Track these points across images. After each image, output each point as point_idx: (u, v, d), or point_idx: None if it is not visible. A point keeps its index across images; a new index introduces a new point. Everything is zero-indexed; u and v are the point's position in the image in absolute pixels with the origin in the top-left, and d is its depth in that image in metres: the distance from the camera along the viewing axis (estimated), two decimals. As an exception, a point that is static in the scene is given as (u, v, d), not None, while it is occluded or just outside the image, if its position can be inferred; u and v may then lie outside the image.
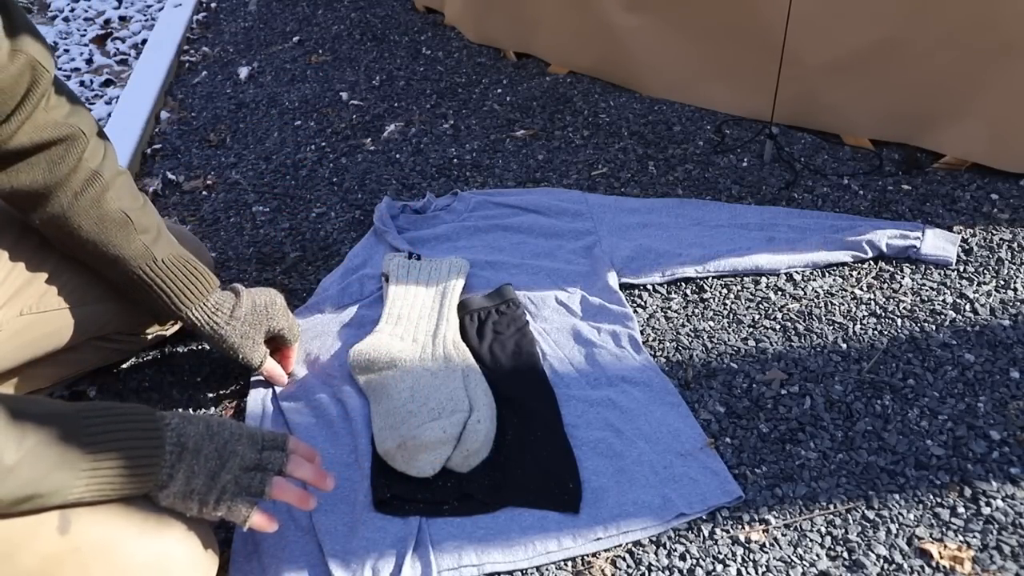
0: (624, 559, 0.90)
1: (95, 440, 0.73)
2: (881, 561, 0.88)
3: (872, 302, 1.19)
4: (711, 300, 1.22)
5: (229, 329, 1.03)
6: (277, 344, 1.11)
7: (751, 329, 1.17)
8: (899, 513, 0.92)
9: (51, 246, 1.00)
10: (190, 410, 1.11)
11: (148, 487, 0.77)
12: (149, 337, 1.15)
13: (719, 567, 0.88)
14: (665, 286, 1.25)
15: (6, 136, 0.89)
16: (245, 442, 0.81)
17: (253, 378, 1.11)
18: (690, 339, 1.16)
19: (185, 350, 1.20)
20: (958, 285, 1.21)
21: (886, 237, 1.26)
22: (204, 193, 1.55)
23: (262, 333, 1.06)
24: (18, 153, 0.91)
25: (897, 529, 0.91)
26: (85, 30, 2.31)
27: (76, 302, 1.01)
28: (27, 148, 0.90)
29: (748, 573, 0.88)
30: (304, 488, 0.87)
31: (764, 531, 0.91)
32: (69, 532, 0.75)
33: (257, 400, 1.09)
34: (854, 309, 1.18)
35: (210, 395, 1.13)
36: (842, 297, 1.21)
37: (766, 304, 1.20)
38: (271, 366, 1.08)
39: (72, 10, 2.42)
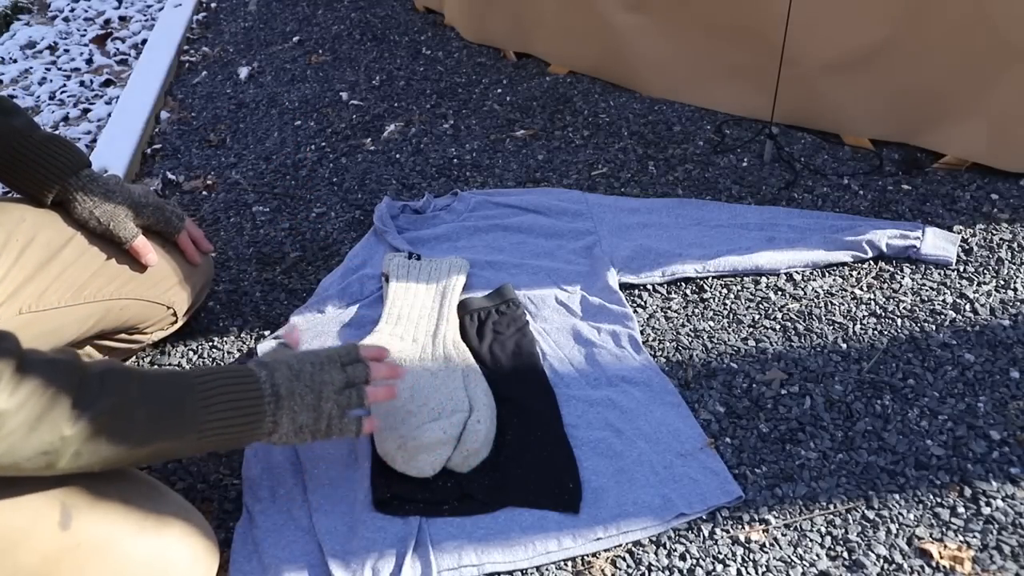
0: (624, 559, 0.90)
1: (208, 401, 0.79)
2: (881, 561, 0.88)
3: (872, 302, 1.19)
4: (711, 300, 1.22)
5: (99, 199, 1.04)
6: (164, 236, 1.12)
7: (751, 329, 1.16)
8: (899, 513, 0.92)
9: (52, 244, 1.00)
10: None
11: (256, 439, 0.83)
12: (150, 337, 1.15)
13: (719, 567, 0.88)
14: (665, 286, 1.25)
15: None
16: (328, 367, 0.86)
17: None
18: (690, 339, 1.16)
19: (185, 350, 1.20)
20: (958, 285, 1.21)
21: (886, 237, 1.26)
22: (204, 193, 1.55)
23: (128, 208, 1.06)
24: None
25: (897, 529, 0.91)
26: (85, 30, 2.31)
27: (75, 301, 1.01)
28: None
29: (748, 573, 0.88)
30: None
31: (764, 531, 0.91)
32: (69, 529, 0.75)
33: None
34: (854, 309, 1.18)
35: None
36: (842, 297, 1.21)
37: (766, 304, 1.20)
38: (140, 243, 1.07)
39: (72, 10, 2.42)
